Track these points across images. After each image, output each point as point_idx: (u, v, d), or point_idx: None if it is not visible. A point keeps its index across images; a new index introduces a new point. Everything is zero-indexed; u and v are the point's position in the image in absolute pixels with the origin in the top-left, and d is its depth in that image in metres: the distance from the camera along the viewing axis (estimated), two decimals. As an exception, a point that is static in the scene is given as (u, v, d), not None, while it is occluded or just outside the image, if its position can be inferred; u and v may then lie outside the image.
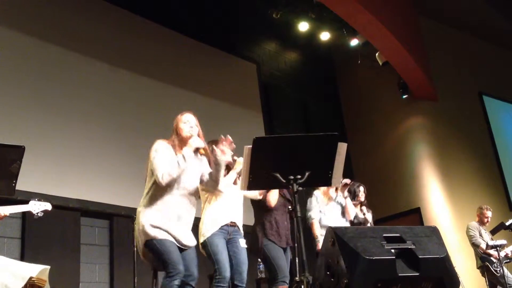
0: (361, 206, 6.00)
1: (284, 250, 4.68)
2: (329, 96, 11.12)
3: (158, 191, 3.56)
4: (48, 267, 3.47)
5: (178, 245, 3.53)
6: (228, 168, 4.36)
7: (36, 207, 3.82)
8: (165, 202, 3.55)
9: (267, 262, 4.62)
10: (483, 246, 6.78)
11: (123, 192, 6.58)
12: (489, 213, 7.12)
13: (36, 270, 3.36)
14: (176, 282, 3.40)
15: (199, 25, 8.56)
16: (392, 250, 2.74)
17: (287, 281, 4.49)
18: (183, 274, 3.45)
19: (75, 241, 6.04)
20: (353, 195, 5.86)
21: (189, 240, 3.63)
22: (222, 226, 4.16)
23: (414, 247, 2.78)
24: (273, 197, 4.68)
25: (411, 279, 2.71)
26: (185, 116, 3.76)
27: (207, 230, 4.12)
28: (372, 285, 2.64)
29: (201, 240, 4.11)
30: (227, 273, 3.97)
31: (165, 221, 3.51)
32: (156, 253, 3.49)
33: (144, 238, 3.50)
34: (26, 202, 3.85)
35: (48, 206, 3.89)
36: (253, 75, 9.44)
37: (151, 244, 3.48)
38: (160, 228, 3.49)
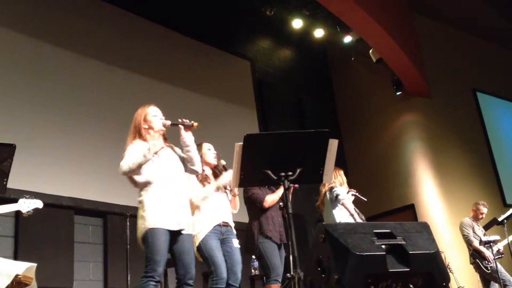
0: None
1: (279, 247, 4.70)
2: (323, 93, 11.12)
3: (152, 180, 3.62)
4: (35, 264, 3.45)
5: (173, 229, 3.55)
6: (215, 172, 4.39)
7: (26, 205, 3.76)
8: (159, 189, 3.59)
9: (261, 259, 4.64)
10: (476, 244, 6.81)
11: (117, 190, 6.56)
12: (485, 210, 7.14)
13: (23, 267, 3.33)
14: (152, 283, 3.43)
15: (192, 23, 8.54)
16: (383, 246, 2.74)
17: (280, 280, 4.51)
18: (161, 276, 3.50)
19: (69, 239, 6.03)
20: None
21: (184, 223, 3.64)
22: (214, 227, 4.16)
23: (404, 242, 2.78)
24: (271, 198, 4.71)
25: (401, 275, 2.72)
26: (152, 108, 3.82)
27: (200, 232, 4.12)
28: (362, 281, 2.65)
29: (196, 243, 4.10)
30: (224, 274, 3.98)
31: (162, 206, 3.55)
32: (146, 244, 3.52)
33: (141, 226, 3.55)
34: (17, 200, 3.82)
35: (39, 204, 3.84)
36: (247, 73, 9.44)
37: (145, 234, 3.51)
38: (157, 215, 3.52)
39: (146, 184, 3.62)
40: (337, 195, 5.65)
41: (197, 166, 3.84)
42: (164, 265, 3.54)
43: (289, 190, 3.10)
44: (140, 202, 3.64)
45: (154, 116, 3.75)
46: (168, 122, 3.75)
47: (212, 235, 4.13)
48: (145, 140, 3.68)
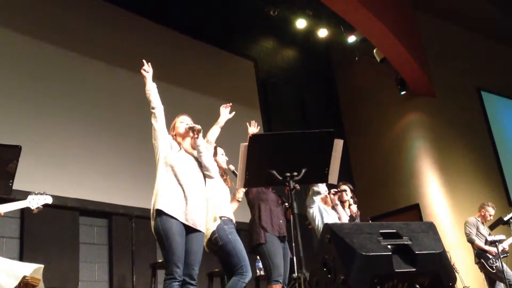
0: (349, 205, 5.97)
1: (282, 241, 4.70)
2: (327, 93, 11.11)
3: (166, 174, 3.67)
4: (42, 266, 3.45)
5: (187, 224, 3.56)
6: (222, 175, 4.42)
7: (35, 201, 3.69)
8: (174, 183, 3.63)
9: (263, 258, 4.62)
10: (478, 242, 6.78)
11: (122, 191, 6.59)
12: (492, 211, 7.11)
13: (30, 269, 3.33)
14: (176, 283, 3.42)
15: (196, 23, 8.55)
16: (389, 246, 2.73)
17: (281, 280, 4.48)
18: (182, 275, 3.47)
19: (74, 240, 6.04)
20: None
21: (201, 223, 3.66)
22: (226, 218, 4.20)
23: (410, 242, 2.77)
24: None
25: (407, 275, 2.71)
26: (181, 117, 4.11)
27: (215, 219, 4.14)
28: (368, 281, 2.64)
29: (213, 228, 4.10)
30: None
31: (176, 199, 3.57)
32: (160, 241, 3.51)
33: (153, 210, 3.55)
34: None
35: (48, 199, 3.76)
36: (251, 73, 9.44)
37: (157, 226, 3.50)
38: (171, 206, 3.53)
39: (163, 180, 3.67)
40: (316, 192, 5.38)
41: (211, 172, 3.88)
42: (183, 261, 3.51)
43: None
44: (155, 199, 3.65)
45: (181, 122, 4.03)
46: (187, 126, 3.93)
47: (227, 223, 4.19)
48: (177, 142, 3.94)
